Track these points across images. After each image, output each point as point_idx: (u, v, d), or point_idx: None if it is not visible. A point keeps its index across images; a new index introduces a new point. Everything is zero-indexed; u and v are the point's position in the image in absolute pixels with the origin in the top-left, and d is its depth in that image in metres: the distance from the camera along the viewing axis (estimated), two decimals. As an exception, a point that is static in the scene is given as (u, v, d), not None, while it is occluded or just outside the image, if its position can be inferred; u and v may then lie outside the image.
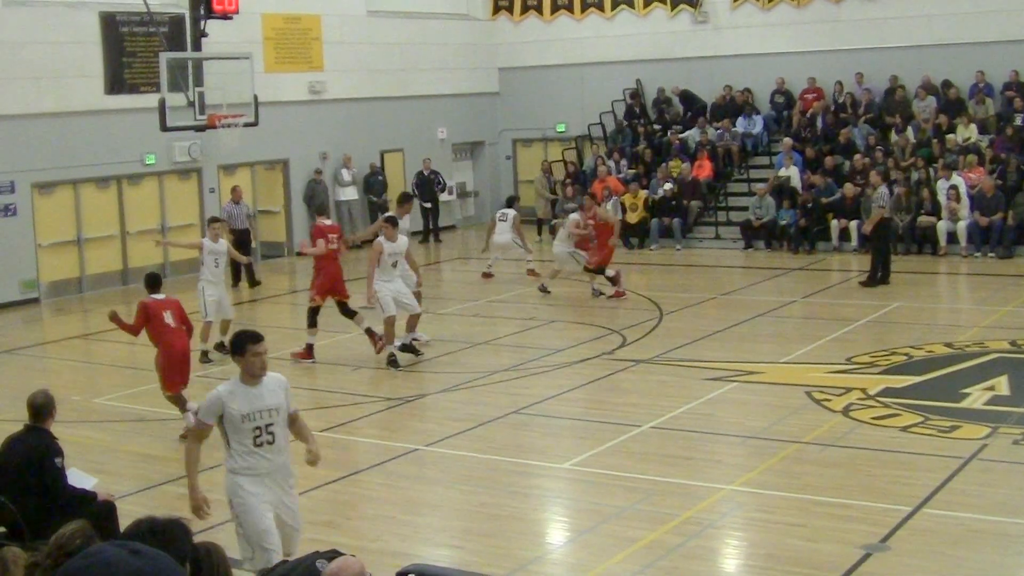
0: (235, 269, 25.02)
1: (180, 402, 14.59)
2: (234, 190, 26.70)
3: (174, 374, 14.47)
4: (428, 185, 32.38)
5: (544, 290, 22.94)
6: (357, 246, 25.78)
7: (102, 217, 26.28)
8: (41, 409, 10.03)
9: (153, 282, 14.90)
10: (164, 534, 4.37)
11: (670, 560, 10.06)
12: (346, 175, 31.09)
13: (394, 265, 17.68)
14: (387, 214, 19.10)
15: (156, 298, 14.61)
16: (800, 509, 11.13)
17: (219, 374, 16.71)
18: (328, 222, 19.24)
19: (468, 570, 7.37)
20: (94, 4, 25.75)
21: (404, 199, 20.12)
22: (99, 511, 9.55)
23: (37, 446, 9.82)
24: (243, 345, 8.76)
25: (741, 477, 12.27)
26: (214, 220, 19.51)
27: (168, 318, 14.40)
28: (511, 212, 25.23)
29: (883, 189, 23.29)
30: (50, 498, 9.61)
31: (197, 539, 5.27)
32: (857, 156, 28.14)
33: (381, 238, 17.69)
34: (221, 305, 18.62)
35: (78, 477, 10.51)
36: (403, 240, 17.88)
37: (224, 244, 18.88)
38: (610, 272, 22.35)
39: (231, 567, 5.54)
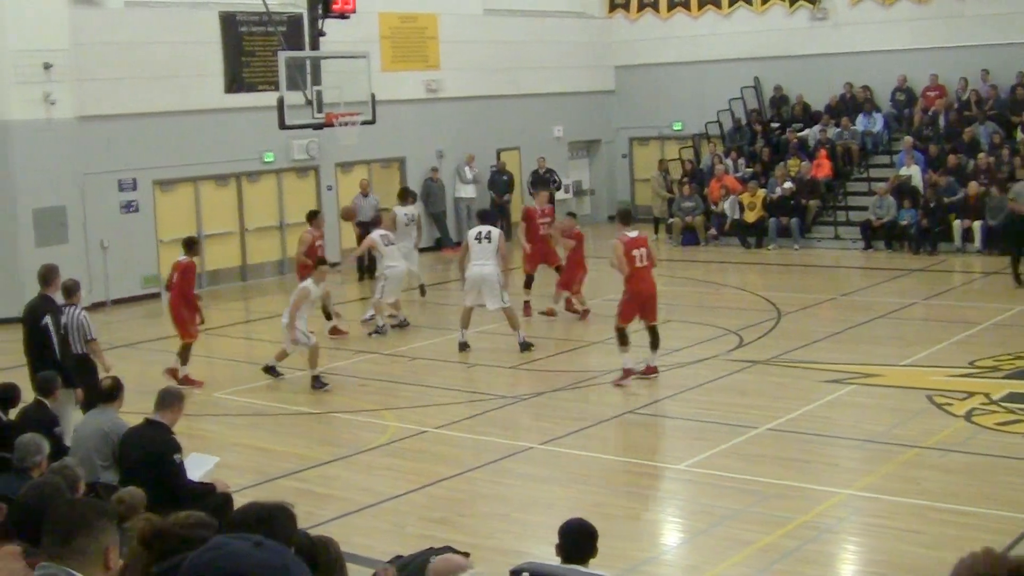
0: (360, 264, 25.62)
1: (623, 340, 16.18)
2: (362, 183, 27.07)
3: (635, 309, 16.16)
4: (543, 183, 32.33)
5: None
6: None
7: (221, 214, 26.68)
8: (159, 402, 10.28)
9: (626, 217, 16.98)
10: (269, 521, 4.39)
11: (785, 564, 9.93)
12: (468, 173, 31.22)
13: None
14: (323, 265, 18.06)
15: (630, 235, 16.11)
16: (919, 516, 10.92)
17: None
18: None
19: (581, 569, 7.30)
20: (214, 4, 26.15)
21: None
22: (216, 504, 9.67)
23: (155, 442, 10.00)
24: None
25: (859, 481, 12.08)
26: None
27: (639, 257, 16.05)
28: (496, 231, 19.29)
29: None
30: (168, 492, 9.76)
31: (313, 532, 5.30)
32: (981, 155, 27.56)
33: (310, 282, 17.04)
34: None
35: (199, 460, 10.67)
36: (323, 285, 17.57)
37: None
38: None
39: (344, 560, 5.57)
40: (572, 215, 22.66)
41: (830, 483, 12.09)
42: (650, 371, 16.34)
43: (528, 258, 21.52)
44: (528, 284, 21.37)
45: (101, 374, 13.23)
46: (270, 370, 17.34)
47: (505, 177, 31.72)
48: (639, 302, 16.13)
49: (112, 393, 10.84)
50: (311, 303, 17.14)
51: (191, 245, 17.87)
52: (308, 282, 16.98)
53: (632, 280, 16.06)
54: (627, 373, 16.10)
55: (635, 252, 15.96)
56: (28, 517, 6.15)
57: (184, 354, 17.34)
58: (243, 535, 3.51)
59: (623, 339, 16.13)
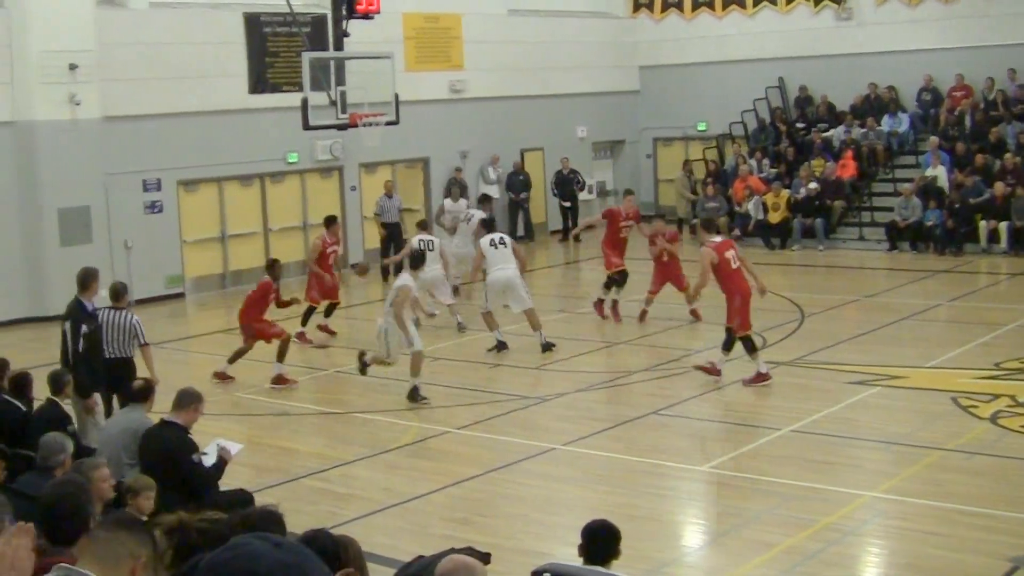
0: (386, 267, 25.86)
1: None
2: (387, 184, 27.07)
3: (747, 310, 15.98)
4: (567, 184, 32.36)
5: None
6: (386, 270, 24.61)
7: (245, 214, 26.74)
8: (176, 402, 10.47)
9: (710, 225, 16.74)
10: (257, 526, 4.39)
11: (808, 567, 9.88)
12: (491, 174, 31.22)
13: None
14: (415, 250, 17.61)
15: (716, 240, 16.09)
16: (944, 518, 10.85)
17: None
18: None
19: (603, 570, 7.28)
20: (238, 5, 26.20)
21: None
22: (238, 502, 9.69)
23: (171, 442, 10.07)
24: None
25: (883, 484, 12.01)
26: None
27: (732, 259, 15.99)
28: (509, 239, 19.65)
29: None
30: (190, 491, 9.78)
31: (335, 532, 5.29)
32: (1008, 155, 27.40)
33: (408, 279, 16.07)
34: None
35: (217, 446, 10.66)
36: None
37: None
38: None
39: (365, 560, 5.56)
40: (662, 216, 22.40)
41: (854, 485, 12.04)
42: (714, 370, 16.13)
43: (613, 257, 20.66)
44: (610, 285, 20.67)
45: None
46: (364, 369, 16.60)
47: (521, 177, 31.69)
48: (746, 304, 16.03)
49: (142, 394, 10.93)
50: (412, 300, 16.25)
51: (272, 267, 17.90)
52: (406, 278, 16.03)
53: (731, 284, 15.99)
54: (760, 377, 15.87)
55: (727, 254, 15.98)
56: (50, 515, 6.17)
57: (281, 353, 17.21)
58: (263, 535, 3.51)
59: (751, 347, 16.02)
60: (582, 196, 32.88)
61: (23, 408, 11.39)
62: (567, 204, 32.42)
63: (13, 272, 22.54)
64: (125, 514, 4.58)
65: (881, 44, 31.43)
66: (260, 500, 10.66)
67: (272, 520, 4.57)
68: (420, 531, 11.27)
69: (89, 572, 4.39)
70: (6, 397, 11.43)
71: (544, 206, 33.12)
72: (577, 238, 29.03)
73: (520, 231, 32.06)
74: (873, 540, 10.79)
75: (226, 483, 10.63)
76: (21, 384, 11.68)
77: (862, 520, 11.08)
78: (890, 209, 28.16)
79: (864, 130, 30.60)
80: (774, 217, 29.11)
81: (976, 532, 10.47)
